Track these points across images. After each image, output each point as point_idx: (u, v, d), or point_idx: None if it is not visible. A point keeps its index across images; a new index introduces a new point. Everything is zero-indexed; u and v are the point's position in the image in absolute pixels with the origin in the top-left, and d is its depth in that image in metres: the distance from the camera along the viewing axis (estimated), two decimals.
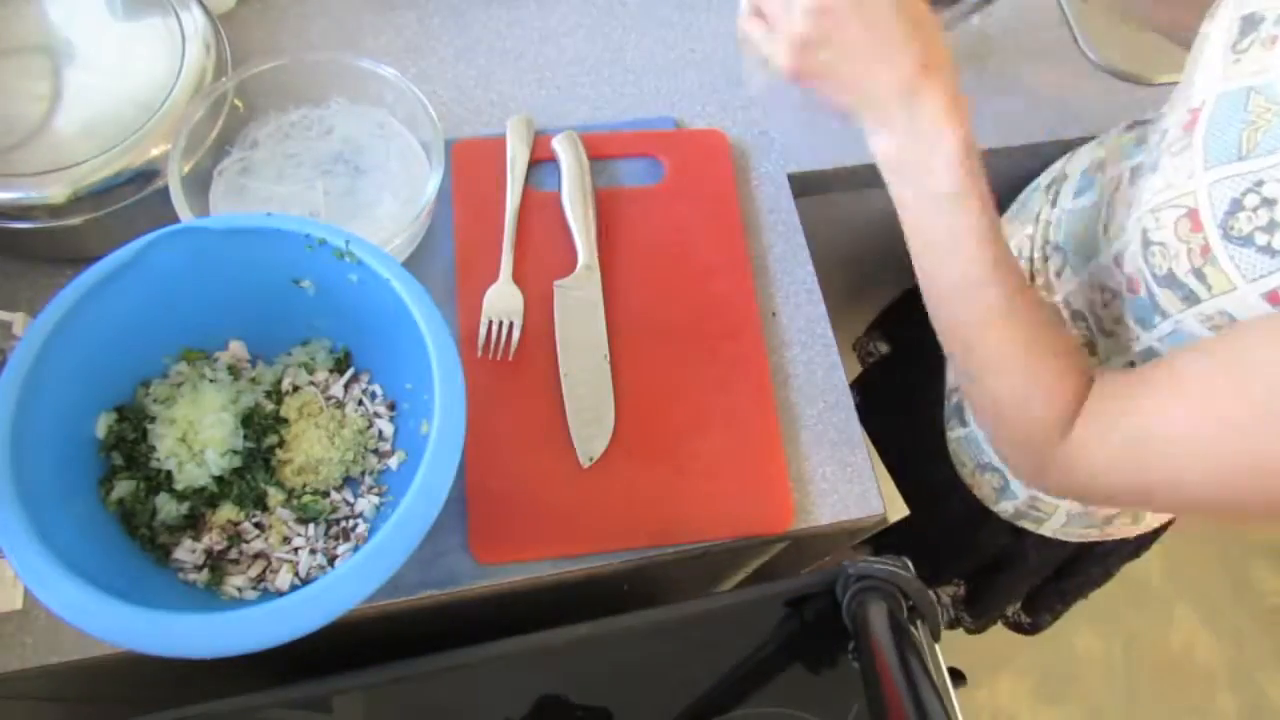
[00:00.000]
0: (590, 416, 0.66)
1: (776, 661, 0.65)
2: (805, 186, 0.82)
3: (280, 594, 0.55)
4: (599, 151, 0.77)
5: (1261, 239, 0.47)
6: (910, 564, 0.63)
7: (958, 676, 0.65)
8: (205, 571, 0.56)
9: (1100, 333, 0.66)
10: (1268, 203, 0.47)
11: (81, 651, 0.57)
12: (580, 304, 0.70)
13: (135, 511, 0.55)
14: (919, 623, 0.62)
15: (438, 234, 0.73)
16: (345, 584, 0.46)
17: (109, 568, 0.50)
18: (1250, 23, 0.54)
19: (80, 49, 0.67)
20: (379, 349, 0.62)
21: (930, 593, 0.62)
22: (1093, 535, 0.79)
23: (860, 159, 0.83)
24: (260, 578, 0.56)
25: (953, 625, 1.06)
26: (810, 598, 0.66)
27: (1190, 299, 0.52)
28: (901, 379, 1.02)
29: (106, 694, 0.73)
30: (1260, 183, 0.48)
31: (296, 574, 0.56)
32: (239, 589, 0.56)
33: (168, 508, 0.56)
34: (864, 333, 1.14)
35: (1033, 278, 0.71)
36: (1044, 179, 0.81)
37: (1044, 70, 0.91)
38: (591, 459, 0.65)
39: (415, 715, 0.61)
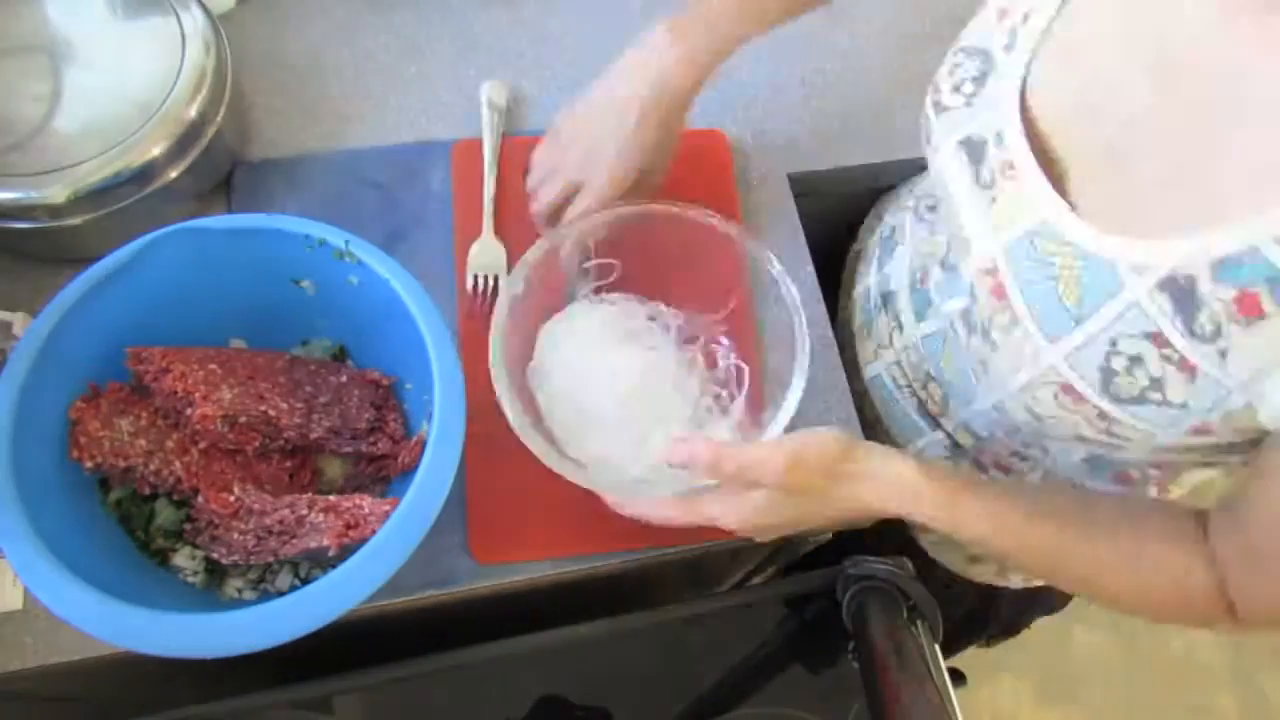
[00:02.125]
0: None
1: (776, 661, 0.65)
2: (805, 186, 0.82)
3: (280, 594, 0.55)
4: None
5: (1155, 396, 0.45)
6: (910, 564, 0.63)
7: (958, 676, 0.65)
8: (204, 574, 0.56)
9: (1017, 450, 0.63)
10: (1135, 361, 0.45)
11: (81, 651, 0.57)
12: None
13: (131, 515, 0.55)
14: (919, 623, 0.62)
15: (438, 234, 0.73)
16: (345, 584, 0.46)
17: (109, 568, 0.51)
18: (974, 149, 0.54)
19: (80, 49, 0.67)
20: (379, 349, 0.62)
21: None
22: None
23: (860, 159, 0.83)
24: (260, 578, 0.56)
25: None
26: (810, 598, 0.66)
27: (1113, 445, 0.51)
28: None
29: (106, 694, 0.73)
30: (1113, 342, 0.46)
31: (296, 574, 0.56)
32: (238, 589, 0.56)
33: (165, 513, 0.56)
34: None
35: (924, 404, 0.68)
36: (865, 253, 0.79)
37: None
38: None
39: (415, 715, 0.61)
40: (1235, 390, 0.43)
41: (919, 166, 0.85)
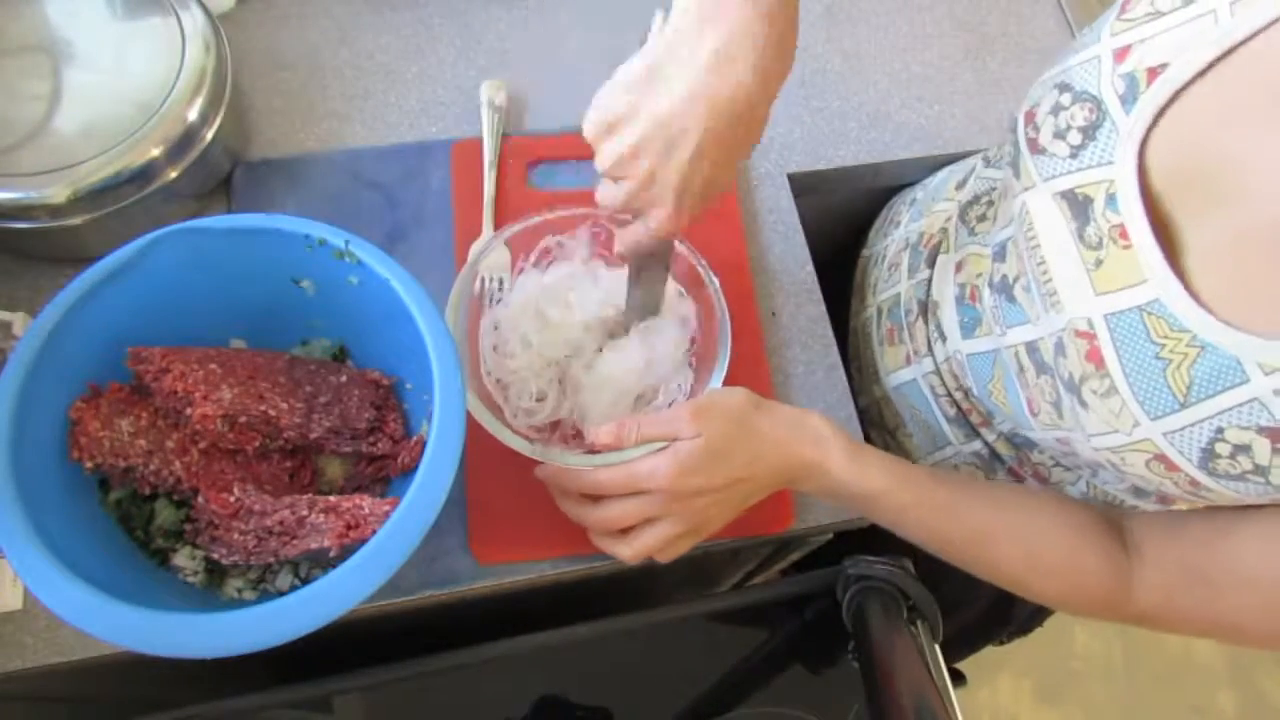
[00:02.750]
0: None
1: (776, 661, 0.65)
2: (805, 186, 0.82)
3: (280, 594, 0.55)
4: None
5: (1256, 479, 0.44)
6: (910, 564, 0.63)
7: (958, 676, 0.65)
8: (204, 574, 0.55)
9: (1063, 459, 0.64)
10: (1241, 449, 0.43)
11: (81, 651, 0.57)
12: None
13: (131, 515, 0.55)
14: (919, 623, 0.62)
15: (438, 234, 0.73)
16: (345, 584, 0.46)
17: (109, 568, 0.50)
18: (1077, 204, 0.50)
19: (80, 49, 0.67)
20: (379, 349, 0.62)
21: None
22: None
23: (860, 159, 0.83)
24: (260, 578, 0.56)
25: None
26: (810, 598, 0.66)
27: (1197, 503, 0.51)
28: None
29: (106, 694, 0.73)
30: (1220, 430, 0.44)
31: (296, 574, 0.56)
32: (238, 589, 0.56)
33: (165, 513, 0.56)
34: None
35: (965, 414, 0.68)
36: (896, 250, 0.78)
37: (1043, 70, 0.91)
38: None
39: (415, 715, 0.61)
40: None
41: (920, 166, 0.85)
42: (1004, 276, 0.58)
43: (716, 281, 0.65)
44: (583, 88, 0.81)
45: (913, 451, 0.74)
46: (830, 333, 0.74)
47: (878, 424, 0.78)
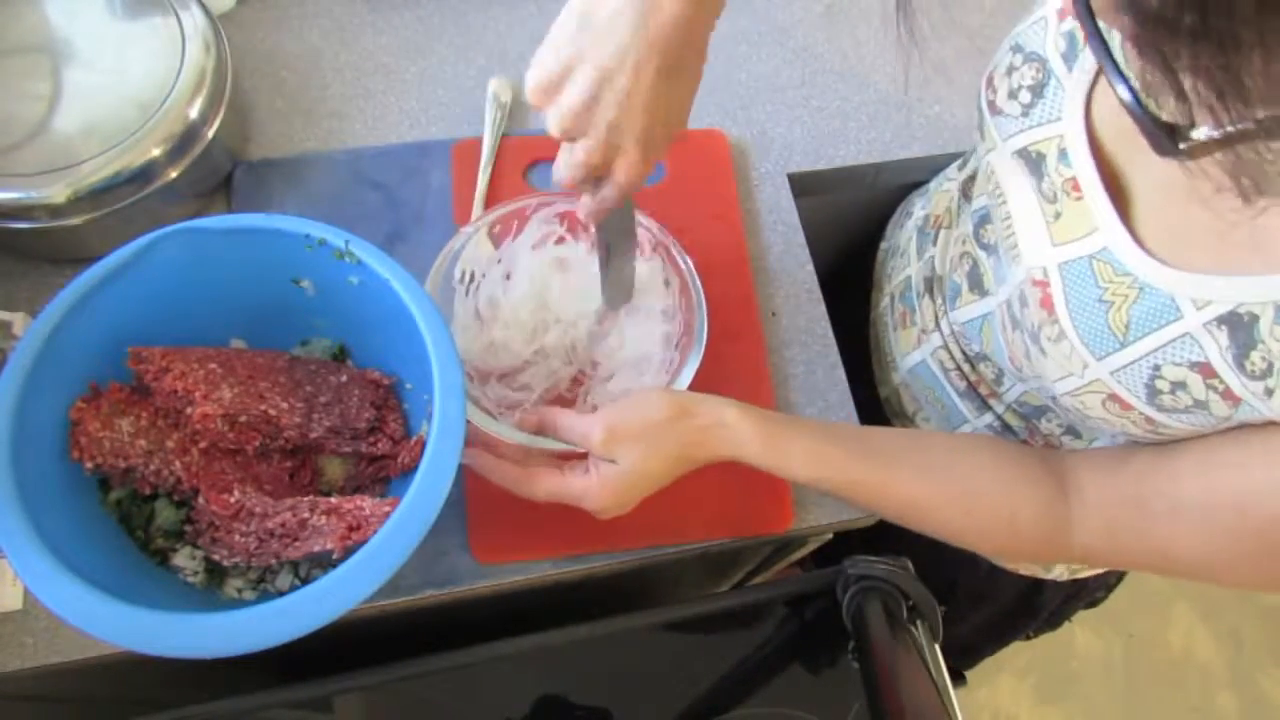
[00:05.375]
0: None
1: (776, 661, 0.65)
2: (805, 186, 0.82)
3: (280, 594, 0.55)
4: None
5: (1200, 412, 0.46)
6: (910, 564, 0.63)
7: (958, 676, 0.65)
8: (204, 574, 0.55)
9: (1072, 424, 0.64)
10: (1178, 385, 0.46)
11: (81, 651, 0.57)
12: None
13: (131, 515, 0.55)
14: (919, 623, 0.62)
15: (438, 234, 0.73)
16: (345, 584, 0.46)
17: (109, 568, 0.50)
18: (1032, 161, 0.53)
19: (80, 49, 0.67)
20: (379, 349, 0.62)
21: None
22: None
23: (860, 159, 0.83)
24: (260, 578, 0.56)
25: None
26: (810, 598, 0.66)
27: (1160, 439, 0.52)
28: None
29: (106, 694, 0.73)
30: (1157, 367, 0.46)
31: (297, 574, 0.56)
32: (238, 589, 0.56)
33: (165, 513, 0.56)
34: None
35: (975, 386, 0.69)
36: (903, 242, 0.79)
37: None
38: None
39: (415, 715, 0.61)
40: (1276, 416, 0.44)
41: (920, 165, 0.85)
42: (991, 240, 0.61)
43: (690, 262, 0.67)
44: None
45: None
46: (830, 333, 0.74)
47: (899, 413, 0.78)
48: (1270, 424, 0.45)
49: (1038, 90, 0.52)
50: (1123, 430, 0.52)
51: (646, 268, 0.68)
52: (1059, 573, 0.78)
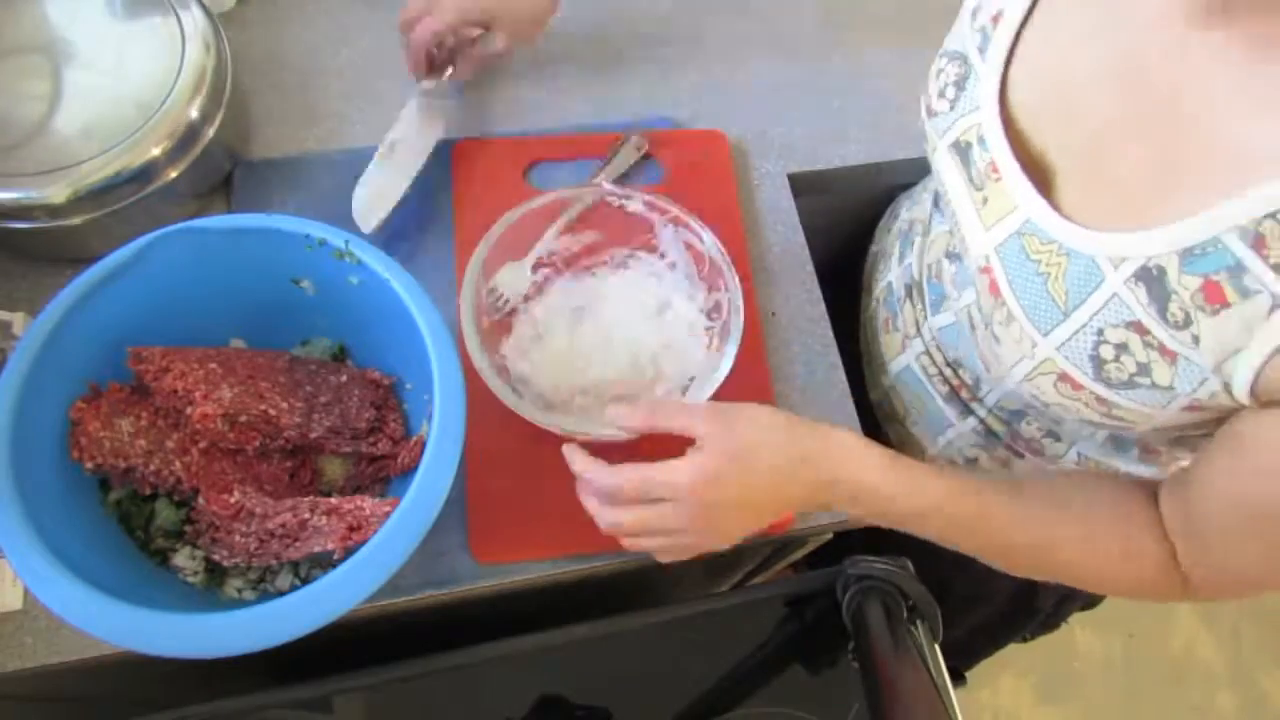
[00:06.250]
0: None
1: (776, 661, 0.65)
2: (805, 186, 0.82)
3: (280, 594, 0.55)
4: (599, 152, 0.77)
5: (1144, 380, 0.47)
6: (910, 564, 0.63)
7: (958, 676, 0.65)
8: (204, 574, 0.55)
9: (1051, 427, 0.64)
10: (1121, 349, 0.47)
11: (81, 651, 0.57)
12: None
13: (131, 515, 0.55)
14: (919, 623, 0.62)
15: (438, 234, 0.73)
16: (345, 584, 0.46)
17: (109, 568, 0.50)
18: (961, 152, 0.56)
19: (80, 49, 0.67)
20: (379, 349, 0.62)
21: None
22: None
23: (860, 159, 0.83)
24: (260, 578, 0.56)
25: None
26: (810, 598, 0.66)
27: (1119, 426, 0.53)
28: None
29: (106, 694, 0.73)
30: (1100, 331, 0.48)
31: (297, 574, 0.56)
32: (238, 589, 0.56)
33: (165, 513, 0.56)
34: None
35: (956, 390, 0.69)
36: (889, 247, 0.79)
37: None
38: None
39: (415, 715, 0.61)
40: (1211, 373, 0.45)
41: (920, 166, 0.85)
42: (954, 247, 0.63)
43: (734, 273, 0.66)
44: (583, 87, 0.81)
45: (919, 439, 0.75)
46: (830, 333, 0.74)
47: (891, 416, 0.78)
48: (1243, 413, 0.46)
49: (960, 84, 0.56)
50: (1081, 418, 0.53)
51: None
52: None
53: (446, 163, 0.76)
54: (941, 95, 0.58)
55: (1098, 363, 0.49)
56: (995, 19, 0.54)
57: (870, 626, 0.60)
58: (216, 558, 0.54)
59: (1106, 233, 0.47)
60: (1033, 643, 1.08)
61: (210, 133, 0.68)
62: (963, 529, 0.54)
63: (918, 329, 0.71)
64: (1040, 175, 0.52)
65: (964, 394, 0.68)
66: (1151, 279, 0.45)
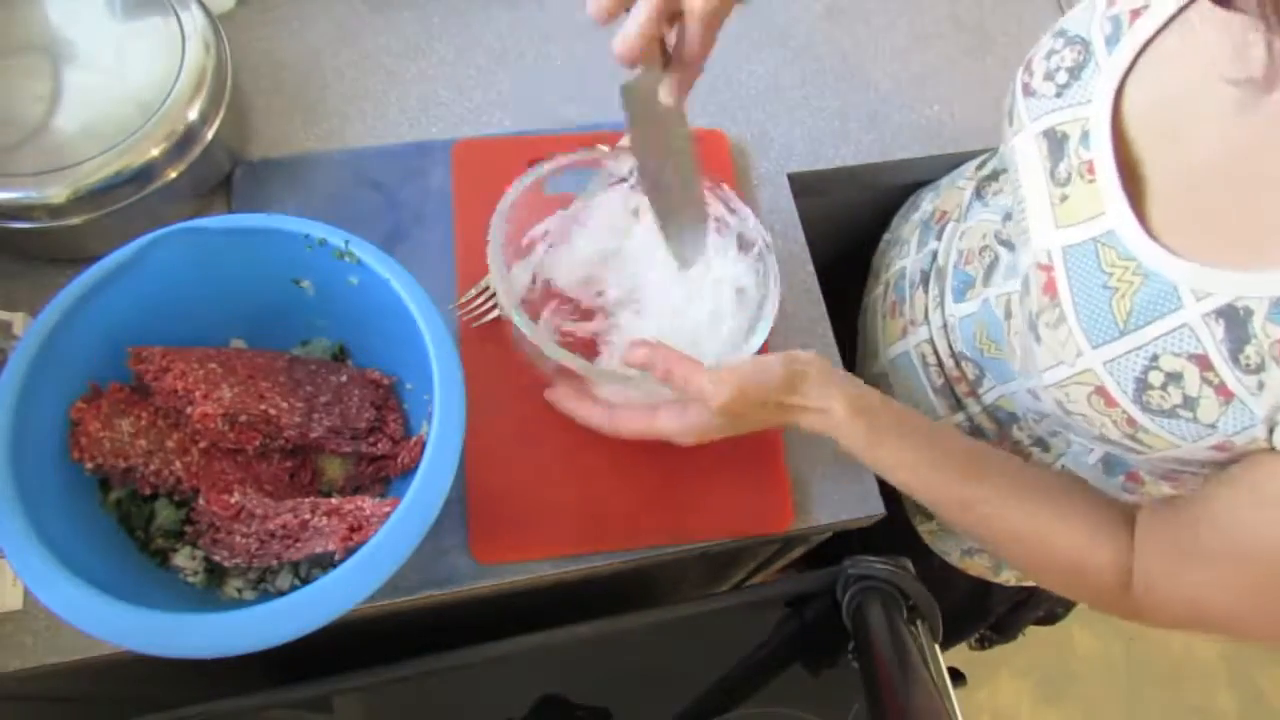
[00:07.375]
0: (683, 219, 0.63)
1: (776, 661, 0.65)
2: (805, 186, 0.82)
3: (280, 594, 0.55)
4: None
5: (1186, 414, 0.46)
6: (910, 564, 0.63)
7: (958, 676, 0.65)
8: (204, 574, 0.55)
9: (1042, 436, 0.64)
10: (1173, 379, 0.46)
11: (81, 651, 0.57)
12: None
13: (131, 515, 0.55)
14: (919, 623, 0.62)
15: (439, 234, 0.73)
16: (345, 584, 0.46)
17: (109, 568, 0.50)
18: (1055, 142, 0.53)
19: (80, 49, 0.67)
20: (379, 349, 0.62)
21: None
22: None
23: (860, 159, 0.83)
24: (260, 578, 0.56)
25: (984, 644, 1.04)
26: (810, 598, 0.66)
27: (1134, 449, 0.52)
28: None
29: (106, 694, 0.73)
30: (1155, 357, 0.46)
31: (297, 574, 0.56)
32: (238, 589, 0.56)
33: (165, 513, 0.56)
34: None
35: (953, 383, 0.69)
36: (906, 236, 0.79)
37: None
38: (689, 263, 0.63)
39: (415, 715, 0.61)
40: (1260, 420, 0.44)
41: (920, 166, 0.85)
42: (1008, 236, 0.61)
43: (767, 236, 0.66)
44: (583, 87, 0.81)
45: None
46: (830, 333, 0.74)
47: None
48: (1266, 454, 0.45)
49: (1075, 72, 0.53)
50: (1099, 433, 0.52)
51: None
52: (1006, 576, 0.79)
53: (447, 163, 0.76)
54: (1049, 78, 0.55)
55: (1142, 386, 0.47)
56: (1135, 13, 0.51)
57: (870, 626, 0.60)
58: (217, 558, 0.54)
59: (1198, 264, 0.45)
60: (1032, 643, 1.08)
61: (210, 133, 0.68)
62: (930, 506, 0.58)
63: (925, 316, 0.70)
64: (1134, 187, 0.49)
65: (961, 388, 0.68)
66: (1235, 319, 0.43)
